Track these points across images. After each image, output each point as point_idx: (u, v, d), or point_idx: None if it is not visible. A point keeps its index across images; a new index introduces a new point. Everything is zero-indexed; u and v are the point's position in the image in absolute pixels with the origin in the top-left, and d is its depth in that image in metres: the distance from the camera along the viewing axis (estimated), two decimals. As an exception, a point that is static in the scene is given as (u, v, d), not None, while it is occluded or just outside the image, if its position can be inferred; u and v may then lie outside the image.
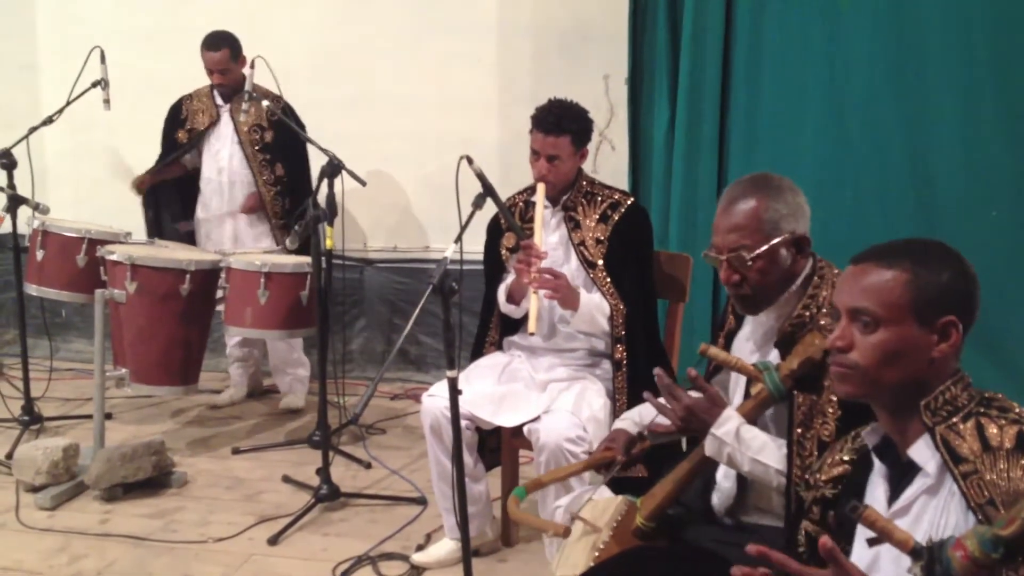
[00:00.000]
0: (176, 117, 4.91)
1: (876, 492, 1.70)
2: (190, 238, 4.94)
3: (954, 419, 1.59)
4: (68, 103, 4.41)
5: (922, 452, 1.61)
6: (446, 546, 3.38)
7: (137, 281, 3.99)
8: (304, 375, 5.01)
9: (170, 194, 4.99)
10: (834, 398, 2.06)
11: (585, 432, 3.02)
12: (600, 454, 2.51)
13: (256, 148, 4.74)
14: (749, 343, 2.37)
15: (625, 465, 2.46)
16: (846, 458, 1.78)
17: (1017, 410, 1.59)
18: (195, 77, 4.84)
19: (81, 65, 4.37)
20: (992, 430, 1.56)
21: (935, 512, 1.59)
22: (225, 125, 4.81)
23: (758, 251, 2.19)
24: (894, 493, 1.66)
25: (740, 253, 2.19)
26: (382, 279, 5.45)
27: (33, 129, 4.38)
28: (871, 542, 1.52)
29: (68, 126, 4.70)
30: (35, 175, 4.33)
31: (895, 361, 1.62)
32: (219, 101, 4.83)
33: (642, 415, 2.53)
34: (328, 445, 3.87)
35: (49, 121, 4.42)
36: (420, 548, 3.46)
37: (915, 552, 1.44)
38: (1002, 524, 1.40)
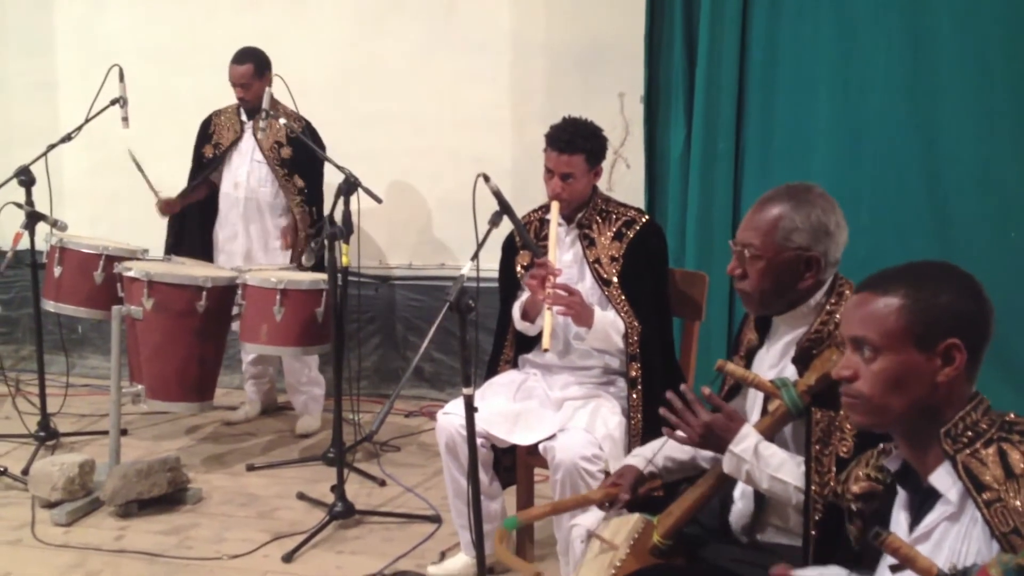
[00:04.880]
0: (205, 132, 4.95)
1: (899, 518, 1.69)
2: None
3: (976, 445, 1.58)
4: (87, 121, 4.43)
5: (943, 480, 1.60)
6: (461, 560, 3.38)
7: (154, 297, 4.01)
8: (319, 394, 5.01)
9: (194, 213, 5.01)
10: None
11: (600, 450, 3.01)
12: (605, 490, 2.49)
13: (276, 164, 4.76)
14: (769, 358, 2.37)
15: (631, 505, 2.44)
16: (871, 474, 1.77)
17: None
18: (213, 95, 4.87)
19: (100, 83, 4.39)
20: (1015, 456, 1.54)
21: (956, 539, 1.57)
22: (247, 141, 4.85)
23: (759, 254, 2.23)
24: (915, 519, 1.65)
25: (745, 251, 2.25)
26: (398, 296, 5.45)
27: (52, 146, 4.39)
28: (893, 569, 1.50)
29: (86, 143, 4.73)
30: (53, 192, 4.36)
31: (898, 388, 1.62)
32: (243, 118, 4.87)
33: (655, 451, 2.52)
34: (343, 462, 3.86)
35: (68, 138, 4.43)
36: (435, 566, 3.45)
37: (939, 579, 1.43)
38: None
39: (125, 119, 4.47)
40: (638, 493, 2.45)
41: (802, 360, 2.20)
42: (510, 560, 2.51)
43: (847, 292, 2.22)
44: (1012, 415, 1.62)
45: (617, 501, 2.44)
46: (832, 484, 2.02)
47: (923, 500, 1.64)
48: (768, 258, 2.22)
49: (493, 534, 3.29)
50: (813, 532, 2.04)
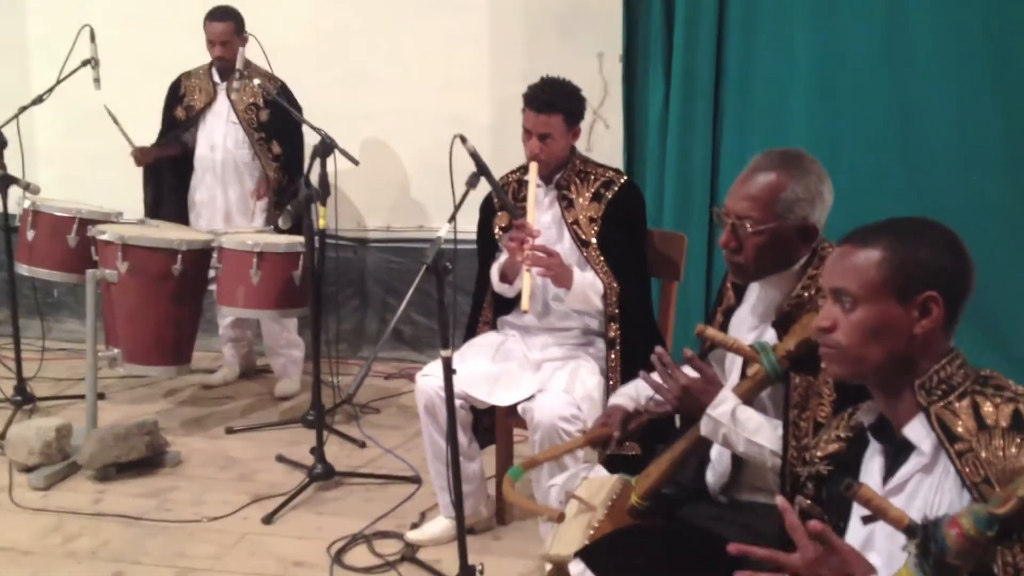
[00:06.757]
0: (175, 94, 4.89)
1: (871, 470, 1.71)
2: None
3: (949, 398, 1.59)
4: (58, 82, 4.38)
5: (917, 431, 1.62)
6: (441, 524, 3.39)
7: (128, 261, 3.97)
8: (298, 356, 4.99)
9: (169, 176, 4.96)
10: (831, 380, 2.05)
11: (579, 411, 3.02)
12: (596, 431, 2.51)
13: (252, 127, 4.72)
14: (749, 319, 2.36)
15: (621, 440, 2.46)
16: (842, 435, 1.79)
17: (1013, 388, 1.59)
18: (187, 55, 4.81)
19: (71, 44, 4.33)
20: (988, 408, 1.56)
21: (929, 490, 1.59)
22: (221, 103, 4.79)
23: (761, 227, 2.18)
24: (889, 471, 1.67)
25: (744, 223, 2.19)
26: (376, 259, 5.44)
27: (23, 108, 4.34)
28: (865, 520, 1.52)
29: (59, 105, 4.66)
30: (25, 155, 4.30)
31: (876, 339, 1.63)
32: (216, 79, 4.80)
33: (638, 390, 2.53)
34: (322, 424, 3.86)
35: (39, 100, 4.38)
36: (415, 526, 3.47)
37: (910, 530, 1.45)
38: (998, 502, 1.41)
39: (97, 80, 4.42)
40: (628, 430, 2.46)
41: (782, 324, 2.19)
42: (527, 505, 2.51)
43: (827, 256, 2.21)
44: (988, 370, 1.63)
45: (610, 440, 2.45)
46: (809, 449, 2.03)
47: (897, 452, 1.66)
48: (771, 231, 2.18)
49: (473, 495, 3.33)
50: (790, 492, 2.05)
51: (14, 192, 4.30)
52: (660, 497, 2.28)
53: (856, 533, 1.68)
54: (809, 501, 1.81)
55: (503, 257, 3.34)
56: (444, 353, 2.67)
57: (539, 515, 2.44)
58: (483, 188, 3.10)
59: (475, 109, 5.01)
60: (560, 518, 2.30)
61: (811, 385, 2.09)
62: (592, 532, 2.19)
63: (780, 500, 1.57)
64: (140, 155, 4.76)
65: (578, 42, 4.84)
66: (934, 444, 1.59)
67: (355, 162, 4.02)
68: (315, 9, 5.25)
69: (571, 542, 2.19)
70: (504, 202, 3.26)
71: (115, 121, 4.50)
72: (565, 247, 3.27)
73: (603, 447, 2.49)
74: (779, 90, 4.21)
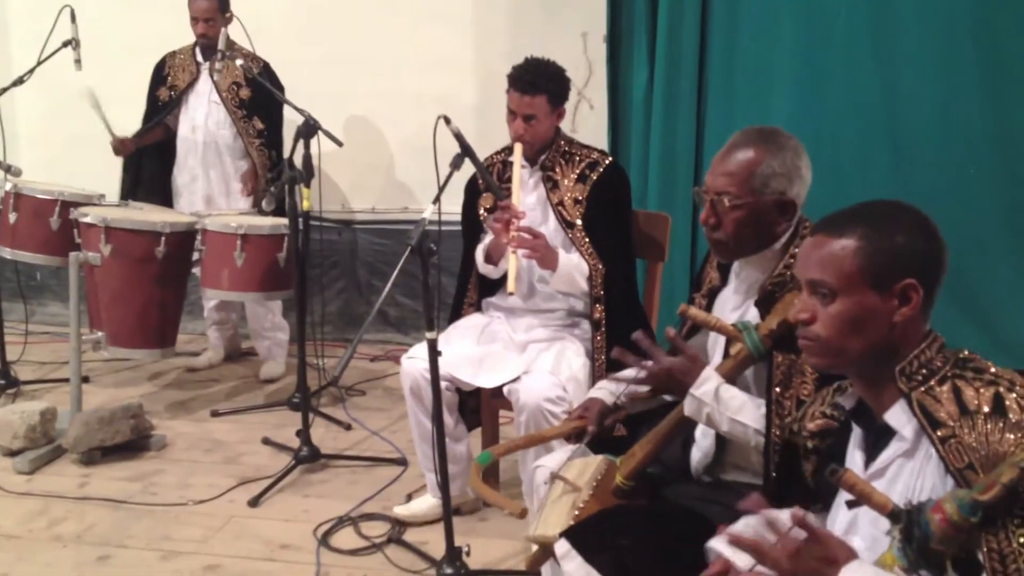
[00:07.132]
0: (159, 75, 4.86)
1: (854, 455, 1.71)
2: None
3: (930, 382, 1.59)
4: (38, 63, 4.34)
5: (898, 417, 1.61)
6: (427, 501, 3.40)
7: (112, 244, 3.95)
8: (283, 339, 4.98)
9: (152, 157, 4.93)
10: None
11: (565, 392, 3.02)
12: (572, 423, 2.51)
13: (235, 105, 4.69)
14: (731, 299, 2.37)
15: (597, 435, 2.45)
16: (827, 411, 1.79)
17: (992, 370, 1.58)
18: (169, 36, 4.77)
19: (51, 25, 4.29)
20: (969, 393, 1.55)
21: (911, 475, 1.59)
22: (204, 83, 4.76)
23: (739, 202, 2.19)
24: (870, 456, 1.67)
25: (723, 199, 2.20)
26: (360, 240, 5.42)
27: (3, 90, 4.32)
28: (850, 504, 1.52)
29: (41, 87, 4.62)
30: (6, 137, 4.27)
31: (856, 330, 1.62)
32: (199, 59, 4.77)
33: (618, 384, 2.53)
34: (308, 407, 3.86)
35: (20, 82, 4.36)
36: (401, 506, 3.48)
37: (894, 515, 1.45)
38: (981, 488, 1.41)
39: (78, 61, 4.37)
40: (604, 425, 2.46)
41: (765, 303, 2.20)
42: (492, 496, 2.52)
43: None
44: (966, 352, 1.63)
45: (585, 434, 2.45)
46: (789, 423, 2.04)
47: (878, 437, 1.66)
48: (748, 206, 2.18)
49: (459, 476, 3.34)
50: (774, 473, 2.06)
51: (-5, 175, 4.27)
52: (645, 477, 2.29)
53: (840, 518, 1.68)
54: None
55: (488, 238, 3.33)
56: (429, 335, 2.67)
57: (501, 507, 2.44)
58: (468, 169, 3.10)
59: (459, 89, 5.00)
60: (522, 514, 2.30)
61: (793, 363, 2.10)
62: (577, 512, 2.20)
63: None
64: (120, 145, 4.72)
65: (562, 22, 4.83)
66: (915, 430, 1.59)
67: (339, 143, 4.00)
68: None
69: (556, 522, 2.20)
70: (489, 183, 3.25)
71: (97, 106, 4.46)
72: (550, 228, 3.27)
73: (577, 440, 2.49)
74: (764, 71, 4.21)
